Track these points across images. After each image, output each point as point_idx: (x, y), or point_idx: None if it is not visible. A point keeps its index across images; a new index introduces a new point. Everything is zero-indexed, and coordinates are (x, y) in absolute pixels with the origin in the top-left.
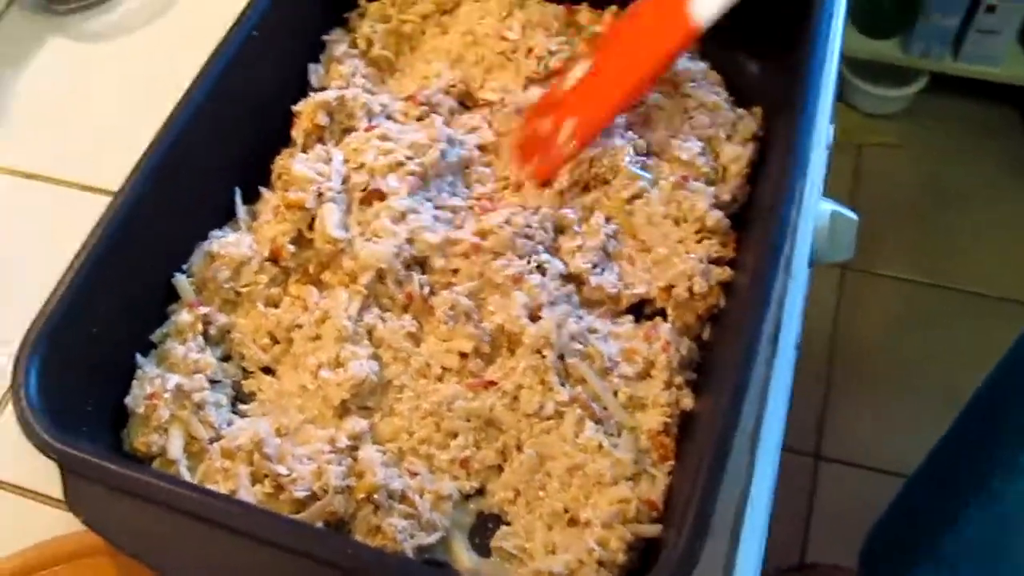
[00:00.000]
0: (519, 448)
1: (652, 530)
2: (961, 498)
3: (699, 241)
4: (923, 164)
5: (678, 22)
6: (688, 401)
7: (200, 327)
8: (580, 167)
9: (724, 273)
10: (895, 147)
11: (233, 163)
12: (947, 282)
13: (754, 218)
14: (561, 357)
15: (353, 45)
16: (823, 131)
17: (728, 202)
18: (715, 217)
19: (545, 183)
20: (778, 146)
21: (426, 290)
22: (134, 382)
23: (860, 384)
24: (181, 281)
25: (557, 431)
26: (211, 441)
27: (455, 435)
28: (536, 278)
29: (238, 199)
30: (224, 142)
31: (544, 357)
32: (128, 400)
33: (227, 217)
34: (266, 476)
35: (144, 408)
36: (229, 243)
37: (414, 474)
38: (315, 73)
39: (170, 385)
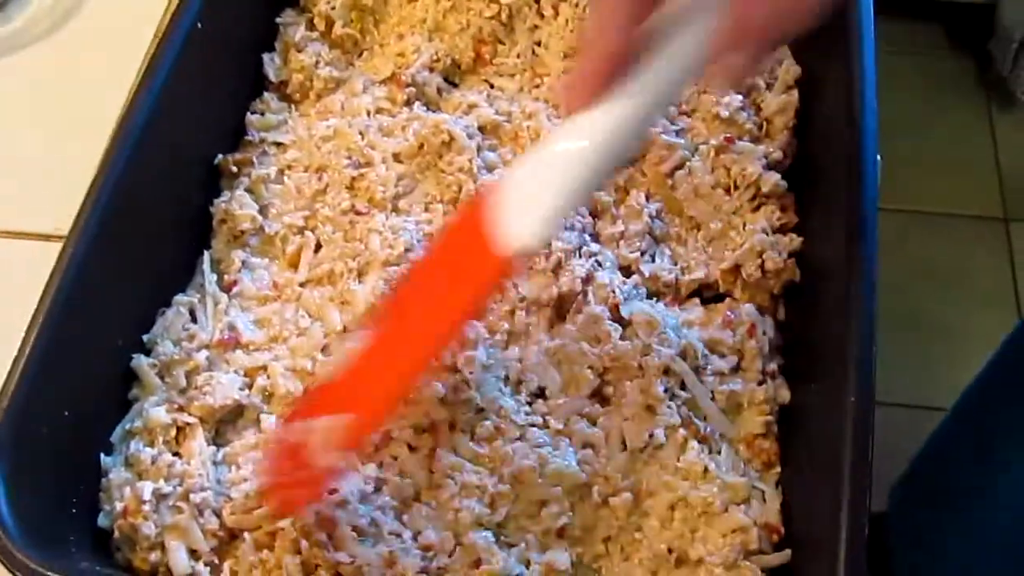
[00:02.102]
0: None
1: (782, 557)
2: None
3: (755, 209)
4: None
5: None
6: (785, 393)
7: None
8: None
9: (795, 242)
10: None
11: (192, 187)
12: (897, 205)
13: (822, 171)
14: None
15: (310, 27)
16: None
17: (779, 161)
18: (771, 180)
19: None
20: (828, 89)
21: None
22: (101, 495)
23: None
24: (143, 367)
25: (656, 459)
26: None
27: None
28: (605, 275)
29: (206, 265)
30: (177, 162)
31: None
32: (101, 520)
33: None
34: (319, 566)
35: (120, 529)
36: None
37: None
38: (271, 64)
39: (147, 494)
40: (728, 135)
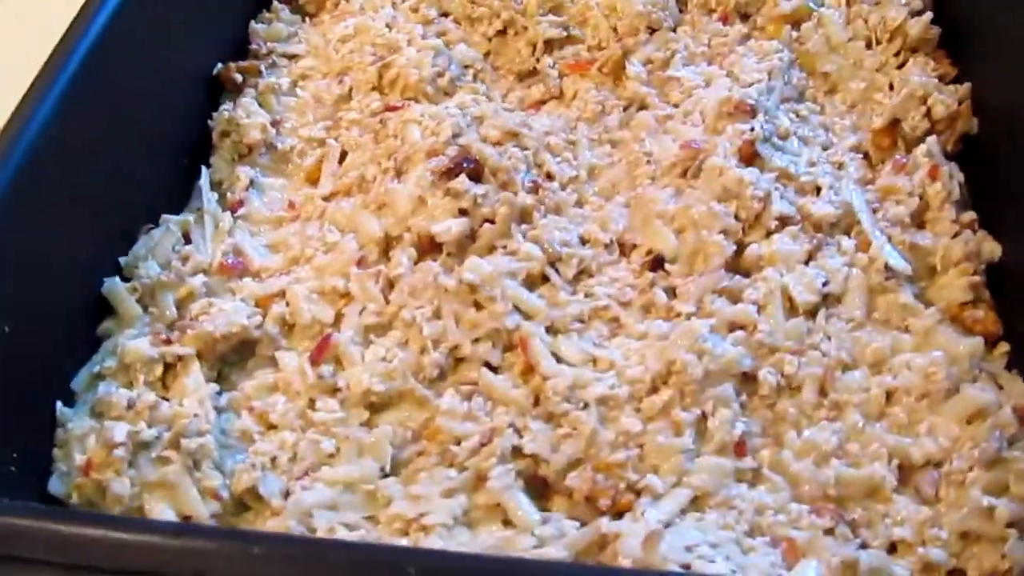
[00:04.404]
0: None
1: None
2: None
3: (900, 66)
4: None
5: None
6: (993, 247)
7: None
8: None
9: (964, 90)
10: None
11: (185, 97)
12: None
13: (981, 14)
14: None
15: None
16: None
17: (918, 11)
18: (920, 24)
19: None
20: None
21: None
22: (55, 451)
23: None
24: (118, 291)
25: (838, 316)
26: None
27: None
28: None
29: (204, 181)
30: (164, 65)
31: None
32: (53, 486)
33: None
34: None
35: (80, 491)
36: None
37: None
38: None
39: (119, 436)
40: None
